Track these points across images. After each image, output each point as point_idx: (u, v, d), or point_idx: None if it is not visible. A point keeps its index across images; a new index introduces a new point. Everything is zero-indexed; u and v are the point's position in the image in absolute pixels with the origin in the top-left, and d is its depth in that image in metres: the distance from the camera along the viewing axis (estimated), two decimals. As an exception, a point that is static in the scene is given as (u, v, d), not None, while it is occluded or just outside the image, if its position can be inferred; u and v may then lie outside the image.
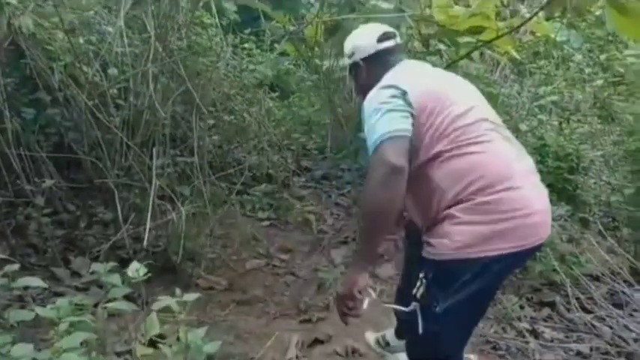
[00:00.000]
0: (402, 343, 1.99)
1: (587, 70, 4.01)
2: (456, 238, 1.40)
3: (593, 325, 2.67)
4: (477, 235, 1.39)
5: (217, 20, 3.37)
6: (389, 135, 1.41)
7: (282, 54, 4.06)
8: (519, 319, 2.76)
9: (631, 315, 2.69)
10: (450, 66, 3.22)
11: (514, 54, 3.21)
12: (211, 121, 3.17)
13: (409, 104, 1.48)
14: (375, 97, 1.52)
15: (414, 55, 3.21)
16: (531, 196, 1.45)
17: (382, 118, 1.45)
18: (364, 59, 1.72)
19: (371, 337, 2.37)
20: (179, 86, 2.88)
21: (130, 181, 2.72)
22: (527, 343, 2.53)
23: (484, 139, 1.47)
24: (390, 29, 1.75)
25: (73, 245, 2.84)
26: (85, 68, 2.73)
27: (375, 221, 1.41)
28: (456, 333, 1.56)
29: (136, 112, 2.80)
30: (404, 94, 1.49)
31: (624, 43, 4.61)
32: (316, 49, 3.22)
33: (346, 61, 1.81)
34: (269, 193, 3.87)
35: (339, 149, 4.49)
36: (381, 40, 1.71)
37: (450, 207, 1.43)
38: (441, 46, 3.35)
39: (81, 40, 2.82)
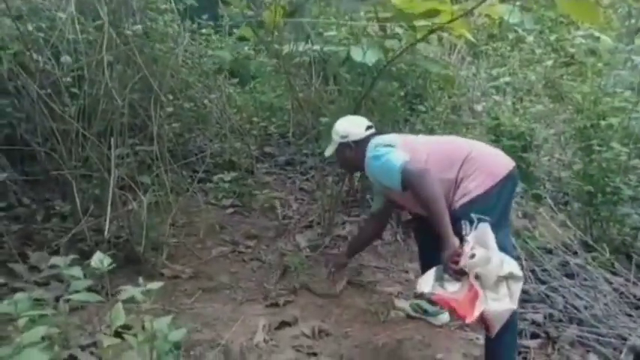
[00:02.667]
0: (436, 307, 2.54)
1: (538, 51, 4.14)
2: (472, 185, 2.06)
3: (547, 295, 2.81)
4: (481, 179, 2.07)
5: (174, 5, 3.30)
6: (405, 160, 2.11)
7: (241, 39, 4.00)
8: (479, 293, 2.87)
9: (581, 284, 2.84)
10: (409, 48, 3.26)
11: (469, 37, 3.27)
12: (170, 109, 3.12)
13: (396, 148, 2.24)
14: (379, 154, 2.22)
15: (372, 39, 3.23)
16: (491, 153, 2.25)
17: (391, 156, 2.17)
18: (355, 142, 2.38)
19: (404, 304, 2.69)
20: (136, 74, 2.82)
21: (89, 172, 2.66)
22: (485, 315, 2.63)
23: (441, 142, 2.36)
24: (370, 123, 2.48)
25: (31, 240, 2.77)
26: (35, 56, 2.64)
27: (442, 207, 2.00)
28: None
29: (91, 100, 2.73)
30: (390, 144, 2.25)
31: (575, 24, 4.77)
32: (275, 33, 3.19)
33: (338, 140, 2.43)
34: (233, 180, 3.85)
35: (302, 134, 4.51)
36: (367, 128, 2.41)
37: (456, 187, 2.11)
38: (399, 30, 3.38)
39: (30, 27, 2.72)
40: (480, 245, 1.90)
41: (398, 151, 2.18)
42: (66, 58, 2.63)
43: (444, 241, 1.96)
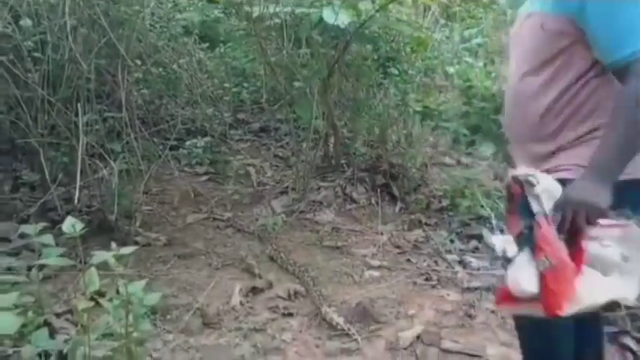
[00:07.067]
0: None
1: (509, 12, 4.15)
2: None
3: (515, 253, 2.91)
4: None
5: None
6: None
7: (211, 1, 3.91)
8: (449, 252, 2.97)
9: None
10: (380, 10, 3.23)
11: (441, -2, 3.26)
12: (139, 74, 3.04)
13: None
14: None
15: (345, 1, 3.18)
16: None
17: None
18: None
19: None
20: (101, 38, 2.73)
21: (56, 140, 2.60)
22: (456, 273, 2.73)
23: None
24: None
25: (-1, 210, 2.72)
26: (-7, 20, 2.52)
27: None
28: None
29: (56, 66, 2.64)
30: None
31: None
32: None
33: None
34: (206, 147, 3.82)
35: (275, 100, 4.47)
36: None
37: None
38: (371, -9, 3.33)
39: (-15, -10, 2.59)
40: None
41: None
42: (26, 22, 2.52)
43: (594, 174, 1.19)
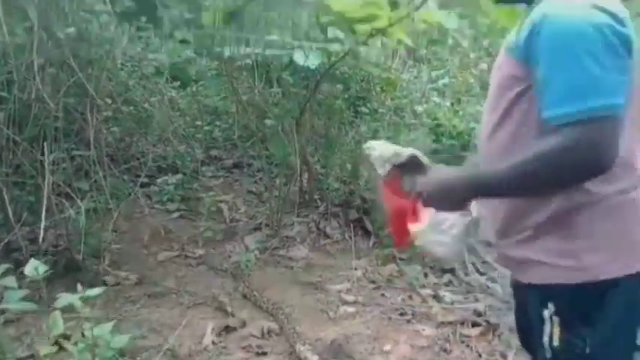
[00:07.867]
0: None
1: (472, 55, 4.35)
2: (587, 257, 1.02)
3: (487, 286, 2.95)
4: (620, 246, 1.03)
5: (109, 7, 3.21)
6: (614, 111, 0.91)
7: (183, 42, 3.96)
8: (423, 286, 2.97)
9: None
10: (350, 52, 3.34)
11: (407, 41, 3.38)
12: (109, 113, 3.03)
13: (628, 51, 0.94)
14: (585, 27, 0.91)
15: (314, 43, 3.28)
16: None
17: (608, 74, 0.90)
18: None
19: None
20: (70, 77, 2.73)
21: (21, 179, 2.54)
22: (430, 307, 2.73)
23: None
24: None
25: (-40, 252, 2.61)
26: (-41, 59, 2.50)
27: (538, 180, 0.97)
28: None
29: (22, 105, 2.61)
30: (619, 33, 0.93)
31: (508, 30, 5.02)
32: (217, 37, 3.18)
33: None
34: (178, 184, 3.79)
35: (248, 137, 4.49)
36: None
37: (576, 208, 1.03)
38: (340, 34, 3.44)
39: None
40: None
41: (622, 57, 0.94)
42: (-8, 61, 2.51)
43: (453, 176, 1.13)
